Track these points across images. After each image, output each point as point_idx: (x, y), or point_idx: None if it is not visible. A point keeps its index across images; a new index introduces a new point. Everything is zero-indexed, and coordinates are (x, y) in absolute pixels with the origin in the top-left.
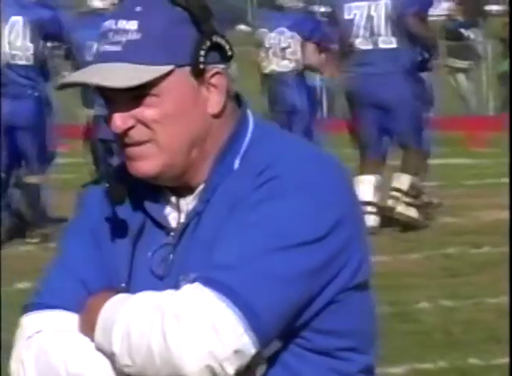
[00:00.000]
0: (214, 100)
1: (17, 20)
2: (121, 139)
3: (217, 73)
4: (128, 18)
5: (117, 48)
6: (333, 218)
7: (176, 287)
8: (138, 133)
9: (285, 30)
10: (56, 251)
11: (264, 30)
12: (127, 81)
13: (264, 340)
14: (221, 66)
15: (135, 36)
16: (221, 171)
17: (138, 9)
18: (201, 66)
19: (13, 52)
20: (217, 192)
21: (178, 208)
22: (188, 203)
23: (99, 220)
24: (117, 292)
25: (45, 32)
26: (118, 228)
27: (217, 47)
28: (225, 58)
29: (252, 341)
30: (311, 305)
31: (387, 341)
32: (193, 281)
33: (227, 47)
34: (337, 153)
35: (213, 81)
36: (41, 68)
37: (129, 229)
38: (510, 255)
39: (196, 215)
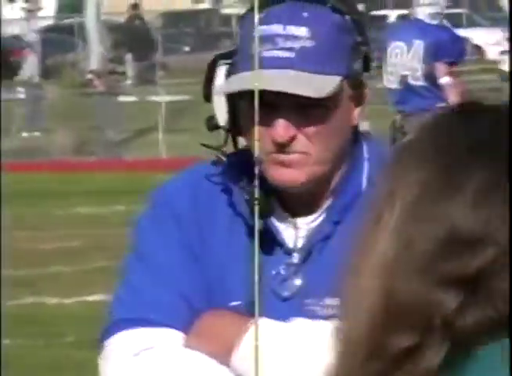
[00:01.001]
0: (359, 112)
1: (419, 43)
2: (275, 147)
3: (364, 84)
4: (297, 23)
5: (290, 54)
6: None
7: (300, 310)
8: (298, 144)
9: None
10: (134, 256)
11: None
12: (316, 91)
13: None
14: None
15: (309, 43)
16: (351, 191)
17: (305, 14)
18: (358, 77)
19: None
20: (348, 213)
21: (295, 227)
22: (309, 222)
23: (196, 227)
24: (229, 311)
25: (443, 53)
26: (233, 239)
27: (365, 57)
28: (366, 69)
29: None
30: None
31: None
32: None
33: (371, 57)
34: None
35: (363, 92)
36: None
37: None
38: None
39: (325, 237)
